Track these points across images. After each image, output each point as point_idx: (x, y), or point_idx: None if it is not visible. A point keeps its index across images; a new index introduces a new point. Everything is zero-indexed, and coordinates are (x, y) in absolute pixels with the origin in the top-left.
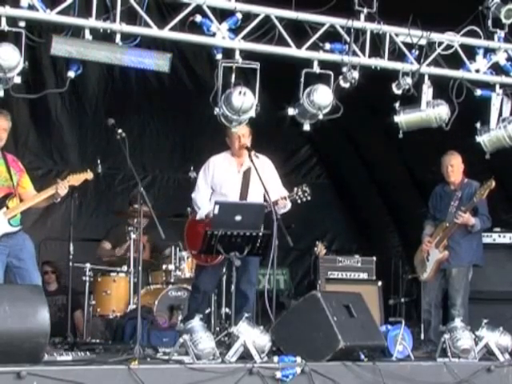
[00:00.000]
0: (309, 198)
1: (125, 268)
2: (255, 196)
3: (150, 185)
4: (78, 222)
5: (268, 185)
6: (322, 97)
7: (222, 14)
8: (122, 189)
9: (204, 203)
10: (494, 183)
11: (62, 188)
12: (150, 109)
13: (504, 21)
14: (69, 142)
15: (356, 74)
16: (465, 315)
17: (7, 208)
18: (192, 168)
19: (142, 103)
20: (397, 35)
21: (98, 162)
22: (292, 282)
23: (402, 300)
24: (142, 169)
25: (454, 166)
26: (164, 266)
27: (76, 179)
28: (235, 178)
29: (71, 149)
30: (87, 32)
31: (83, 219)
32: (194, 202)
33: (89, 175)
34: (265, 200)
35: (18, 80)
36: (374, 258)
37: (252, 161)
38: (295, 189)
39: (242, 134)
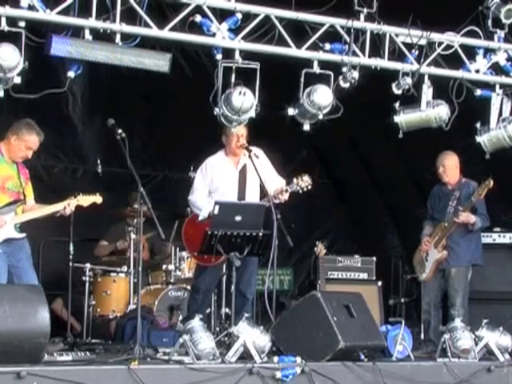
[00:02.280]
0: (309, 187)
1: (125, 268)
2: (253, 194)
3: (158, 185)
4: (83, 222)
5: (268, 178)
6: (322, 97)
7: (222, 14)
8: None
9: (204, 204)
10: (491, 182)
11: (69, 209)
12: (156, 109)
13: (504, 21)
14: (82, 141)
15: (356, 74)
16: (465, 315)
17: (15, 214)
18: (192, 168)
19: (152, 103)
20: (397, 35)
21: (98, 162)
22: (295, 283)
23: (402, 300)
24: (147, 168)
25: (446, 167)
26: (164, 266)
27: (85, 200)
28: (233, 178)
29: (85, 147)
30: (87, 32)
31: (89, 220)
32: (192, 204)
33: (98, 199)
34: (264, 196)
35: (17, 80)
36: (374, 258)
37: (252, 161)
38: (294, 180)
39: (241, 134)
